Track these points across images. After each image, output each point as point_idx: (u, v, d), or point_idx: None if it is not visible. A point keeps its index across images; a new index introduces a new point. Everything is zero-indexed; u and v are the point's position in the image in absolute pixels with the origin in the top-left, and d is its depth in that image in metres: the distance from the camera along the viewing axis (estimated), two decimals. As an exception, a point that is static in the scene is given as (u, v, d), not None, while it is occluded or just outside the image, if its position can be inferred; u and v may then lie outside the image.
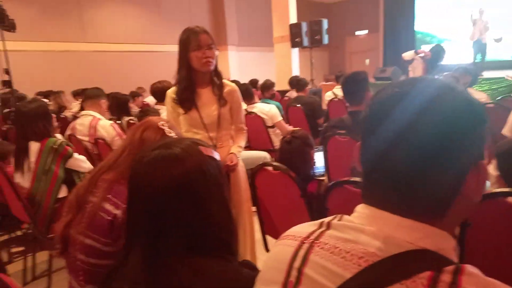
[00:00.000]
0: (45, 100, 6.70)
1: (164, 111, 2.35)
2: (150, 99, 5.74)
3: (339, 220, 0.61)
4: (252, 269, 0.80)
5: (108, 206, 1.08)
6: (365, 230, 0.56)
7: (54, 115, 2.68)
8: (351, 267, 0.53)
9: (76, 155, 2.55)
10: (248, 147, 4.23)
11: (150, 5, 10.63)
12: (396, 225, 0.55)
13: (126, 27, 10.21)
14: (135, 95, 6.14)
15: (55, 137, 2.55)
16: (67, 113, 5.66)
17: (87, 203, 1.12)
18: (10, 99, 5.48)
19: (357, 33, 15.18)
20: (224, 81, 2.03)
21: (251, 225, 2.09)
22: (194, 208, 0.77)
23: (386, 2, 13.31)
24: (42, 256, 2.83)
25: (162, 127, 1.17)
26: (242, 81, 5.27)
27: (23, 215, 2.48)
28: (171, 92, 2.00)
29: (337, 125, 2.46)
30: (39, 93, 6.70)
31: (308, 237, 0.61)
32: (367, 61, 14.73)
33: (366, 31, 14.93)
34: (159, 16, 10.77)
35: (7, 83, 5.52)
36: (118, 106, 3.78)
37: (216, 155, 0.86)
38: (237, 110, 2.07)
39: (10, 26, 5.29)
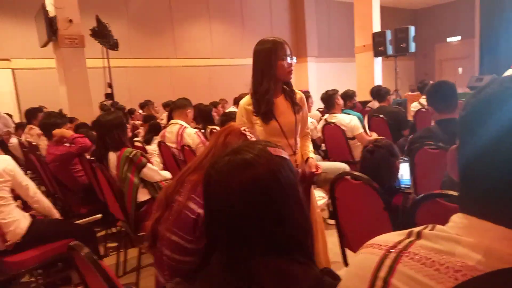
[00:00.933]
0: (140, 110, 7.43)
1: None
2: (232, 109, 5.98)
3: (431, 230, 0.57)
4: (333, 278, 0.77)
5: (192, 205, 1.14)
6: (462, 241, 0.51)
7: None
8: (446, 281, 0.49)
9: (149, 165, 2.69)
10: (326, 158, 4.15)
11: (234, 21, 11.19)
12: (499, 237, 0.49)
13: (212, 43, 10.85)
14: (216, 104, 6.46)
15: (137, 147, 2.77)
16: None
17: (174, 201, 1.19)
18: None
19: (448, 39, 14.08)
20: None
21: (322, 234, 2.05)
22: (268, 212, 0.77)
23: (482, 6, 12.14)
24: (132, 252, 3.08)
25: (244, 132, 1.20)
26: (320, 93, 5.23)
27: (119, 213, 2.74)
28: (245, 104, 1.99)
29: (425, 136, 2.30)
30: (140, 104, 7.56)
31: (395, 246, 0.57)
32: (460, 69, 13.52)
33: (459, 37, 13.76)
34: (243, 31, 11.26)
35: (109, 96, 6.21)
36: (202, 116, 4.00)
37: (285, 154, 0.85)
38: (306, 116, 2.11)
39: (114, 45, 5.96)
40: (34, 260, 2.31)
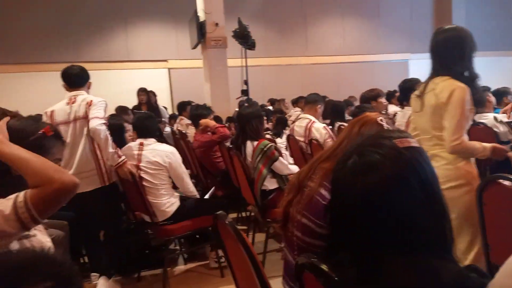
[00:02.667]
0: (270, 107, 7.83)
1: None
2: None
3: None
4: (481, 276, 0.72)
5: (323, 192, 1.19)
6: None
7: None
8: None
9: (281, 159, 2.85)
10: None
11: (370, 15, 10.77)
12: None
13: (344, 39, 10.68)
14: (348, 103, 6.34)
15: (267, 139, 2.97)
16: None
17: (305, 186, 1.26)
18: (244, 105, 6.69)
19: None
20: None
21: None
22: (396, 213, 0.74)
23: None
24: (260, 237, 3.31)
25: (380, 122, 1.19)
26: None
27: (250, 198, 2.99)
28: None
29: None
30: (269, 100, 7.95)
31: None
32: None
33: None
34: (379, 25, 10.75)
35: (245, 92, 6.72)
36: (333, 111, 4.01)
37: (415, 143, 0.80)
38: None
39: (252, 45, 6.42)
40: (180, 230, 2.72)
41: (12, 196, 1.00)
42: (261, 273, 1.10)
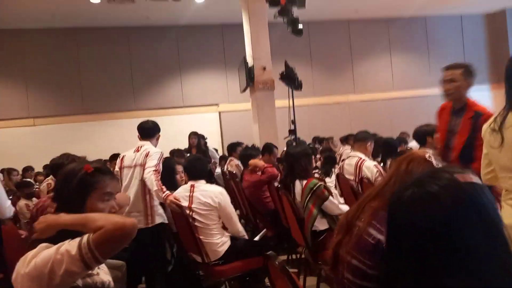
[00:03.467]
0: (317, 145, 7.80)
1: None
2: (413, 144, 5.59)
3: None
4: None
5: (372, 231, 1.16)
6: None
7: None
8: None
9: (331, 199, 2.79)
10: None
11: (418, 49, 10.65)
12: None
13: (393, 75, 10.58)
14: (402, 140, 6.14)
15: (316, 178, 2.94)
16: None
17: (354, 226, 1.24)
18: (292, 145, 6.73)
19: None
20: None
21: None
22: (458, 246, 0.72)
23: None
24: (311, 281, 3.20)
25: (429, 159, 1.16)
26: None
27: (300, 238, 2.94)
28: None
29: None
30: (314, 138, 7.93)
31: None
32: None
33: None
34: (429, 59, 10.55)
35: (292, 132, 6.80)
36: (384, 148, 3.91)
37: (476, 179, 0.77)
38: None
39: (298, 86, 6.57)
40: (230, 271, 2.72)
41: (78, 238, 1.09)
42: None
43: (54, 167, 2.50)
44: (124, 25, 9.32)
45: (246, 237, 2.98)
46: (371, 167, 3.37)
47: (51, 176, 5.67)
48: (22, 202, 4.05)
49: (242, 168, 5.19)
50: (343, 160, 4.31)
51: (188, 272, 3.03)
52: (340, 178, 3.66)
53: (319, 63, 10.34)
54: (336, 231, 1.32)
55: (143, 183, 2.93)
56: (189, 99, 9.99)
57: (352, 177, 3.50)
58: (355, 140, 3.67)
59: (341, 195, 3.68)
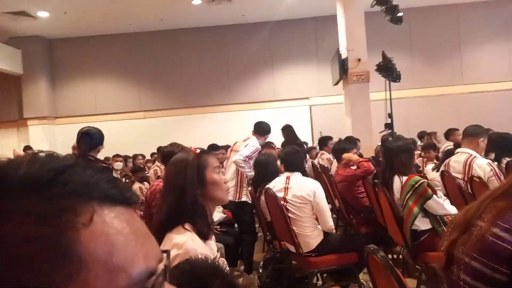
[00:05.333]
0: (419, 141, 7.26)
1: None
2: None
3: None
4: None
5: (502, 233, 1.05)
6: None
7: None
8: None
9: (435, 198, 2.57)
10: None
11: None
12: None
13: (510, 63, 9.29)
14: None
15: (419, 175, 2.72)
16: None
17: (474, 226, 1.13)
18: (388, 140, 6.35)
19: None
20: None
21: None
22: None
23: None
24: (409, 283, 3.01)
25: None
26: None
27: (398, 237, 2.79)
28: None
29: None
30: (420, 133, 7.41)
31: None
32: None
33: None
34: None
35: (389, 126, 6.43)
36: (499, 145, 3.48)
37: None
38: None
39: (396, 78, 6.19)
40: (324, 263, 2.71)
41: None
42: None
43: (166, 155, 2.78)
44: (221, 23, 9.83)
45: (334, 232, 2.94)
46: (483, 165, 3.02)
47: (156, 163, 6.31)
48: (136, 185, 4.56)
49: (333, 161, 5.13)
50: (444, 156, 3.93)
51: (281, 261, 3.10)
52: (445, 176, 3.36)
53: (420, 52, 9.57)
54: (450, 230, 1.21)
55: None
56: (280, 92, 10.13)
57: (460, 176, 3.19)
58: (465, 135, 3.31)
59: (446, 195, 3.38)
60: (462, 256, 1.13)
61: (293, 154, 2.97)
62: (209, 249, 1.37)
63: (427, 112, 9.24)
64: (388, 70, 6.03)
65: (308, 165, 6.29)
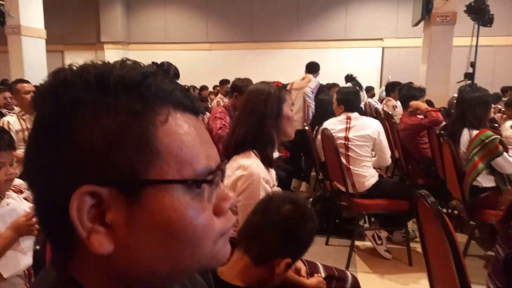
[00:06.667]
0: (502, 94, 6.53)
1: None
2: None
3: None
4: None
5: None
6: None
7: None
8: None
9: (506, 155, 2.41)
10: None
11: None
12: None
13: None
14: None
15: (491, 130, 2.52)
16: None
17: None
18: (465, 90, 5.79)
19: None
20: None
21: None
22: None
23: None
24: (460, 238, 2.95)
25: None
26: None
27: (456, 192, 2.68)
28: None
29: None
30: (503, 88, 6.66)
31: None
32: None
33: None
34: None
35: (470, 75, 5.83)
36: None
37: None
38: None
39: (488, 22, 5.45)
40: (374, 207, 2.73)
41: None
42: (460, 262, 1.02)
43: (235, 88, 2.97)
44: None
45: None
46: None
47: (219, 95, 6.49)
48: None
49: (397, 107, 4.96)
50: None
51: (331, 200, 3.17)
52: (523, 135, 3.06)
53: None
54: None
55: (303, 98, 4.42)
56: (353, 32, 9.51)
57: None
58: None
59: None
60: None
61: (353, 95, 2.89)
62: (270, 177, 1.46)
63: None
64: (479, 12, 5.31)
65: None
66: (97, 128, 0.37)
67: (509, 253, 0.83)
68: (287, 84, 5.41)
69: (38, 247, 0.95)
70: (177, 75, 3.35)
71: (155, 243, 0.38)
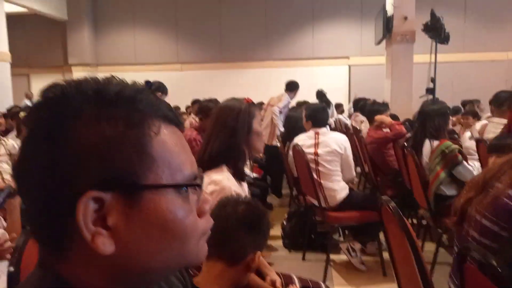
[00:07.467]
0: (461, 108, 6.89)
1: None
2: None
3: None
4: None
5: (515, 195, 1.07)
6: None
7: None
8: None
9: (465, 164, 2.54)
10: None
11: None
12: None
13: None
14: None
15: (450, 140, 2.66)
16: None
17: (491, 187, 1.15)
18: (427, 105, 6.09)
19: None
20: None
21: None
22: None
23: None
24: (429, 246, 3.05)
25: None
26: None
27: (422, 201, 2.79)
28: None
29: None
30: (463, 102, 7.02)
31: None
32: None
33: None
34: None
35: (430, 91, 6.15)
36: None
37: None
38: None
39: (445, 39, 5.80)
40: (346, 219, 2.80)
41: None
42: (421, 260, 1.08)
43: (204, 108, 2.98)
44: (262, -25, 9.49)
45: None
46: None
47: (192, 115, 6.49)
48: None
49: (364, 122, 5.13)
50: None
51: (305, 215, 3.22)
52: (480, 145, 3.25)
53: (475, 13, 8.84)
54: (467, 188, 1.24)
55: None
56: (320, 50, 9.85)
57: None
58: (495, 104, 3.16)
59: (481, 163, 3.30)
60: (474, 214, 1.16)
61: (321, 111, 2.99)
62: (242, 190, 1.51)
63: (475, 79, 8.70)
64: (436, 30, 5.66)
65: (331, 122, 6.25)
66: (99, 136, 0.40)
67: (461, 248, 0.91)
68: (260, 102, 5.60)
69: (12, 268, 0.94)
70: (166, 93, 4.02)
71: (152, 241, 0.42)
